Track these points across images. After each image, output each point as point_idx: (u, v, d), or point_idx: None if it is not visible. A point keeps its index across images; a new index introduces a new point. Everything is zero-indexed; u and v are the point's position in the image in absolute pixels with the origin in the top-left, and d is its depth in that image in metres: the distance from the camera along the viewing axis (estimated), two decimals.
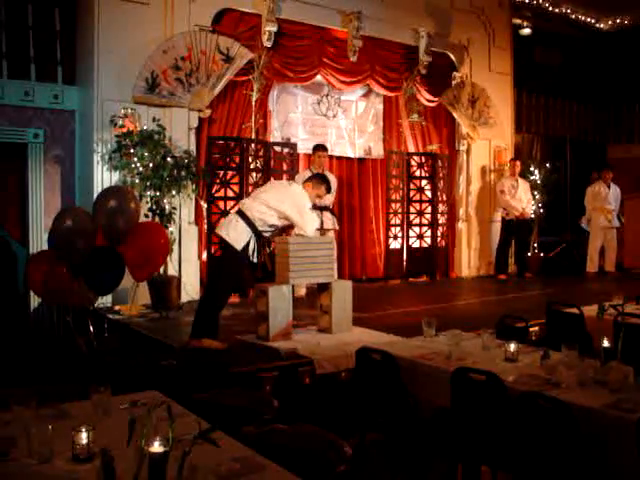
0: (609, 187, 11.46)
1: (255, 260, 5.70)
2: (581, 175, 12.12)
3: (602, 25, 14.16)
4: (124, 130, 7.45)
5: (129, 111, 7.61)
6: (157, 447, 2.00)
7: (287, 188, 5.88)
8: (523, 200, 10.63)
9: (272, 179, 8.67)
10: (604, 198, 11.38)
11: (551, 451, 3.01)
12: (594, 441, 2.89)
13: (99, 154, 7.55)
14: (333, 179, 8.47)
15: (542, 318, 5.77)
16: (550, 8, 12.93)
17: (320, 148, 8.46)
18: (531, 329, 5.58)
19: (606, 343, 3.73)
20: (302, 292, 7.69)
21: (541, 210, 11.67)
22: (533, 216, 11.36)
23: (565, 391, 3.14)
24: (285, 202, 5.60)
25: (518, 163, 10.86)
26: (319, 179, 6.18)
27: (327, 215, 8.10)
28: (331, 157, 9.55)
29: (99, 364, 5.07)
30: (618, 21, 14.04)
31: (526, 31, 12.33)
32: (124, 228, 5.99)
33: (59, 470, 2.23)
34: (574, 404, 2.95)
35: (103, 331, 6.42)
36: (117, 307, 7.24)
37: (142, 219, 7.13)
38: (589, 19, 13.86)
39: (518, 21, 12.23)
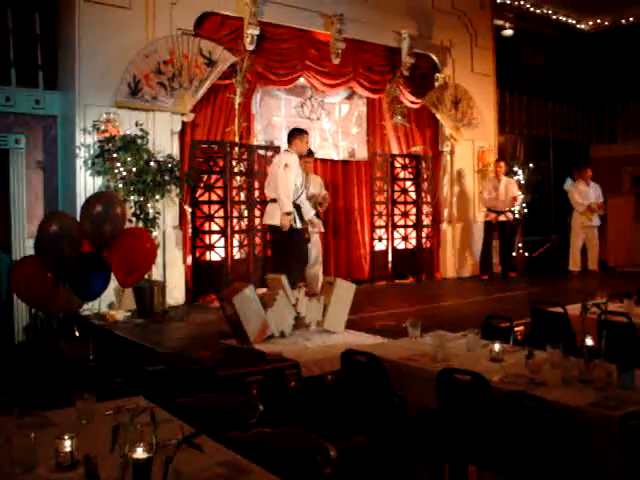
0: (589, 185, 11.54)
1: (300, 225, 7.28)
2: (564, 175, 12.19)
3: (583, 26, 14.27)
4: (107, 135, 7.42)
5: (111, 116, 7.57)
6: (141, 453, 1.99)
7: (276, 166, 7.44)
8: (505, 200, 10.64)
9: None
10: (584, 197, 11.46)
11: (537, 450, 3.02)
12: (579, 439, 2.91)
13: (82, 159, 7.50)
14: (319, 181, 8.47)
15: (527, 318, 5.80)
16: (532, 9, 13.02)
17: (306, 153, 8.41)
18: (516, 329, 5.59)
19: (590, 342, 3.75)
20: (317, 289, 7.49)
21: (525, 210, 11.72)
22: (518, 216, 11.42)
23: (550, 390, 3.16)
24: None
25: (502, 164, 10.90)
26: (295, 132, 7.52)
27: (313, 218, 8.07)
28: (315, 160, 9.51)
29: (83, 370, 5.04)
30: (599, 22, 14.16)
31: (508, 32, 12.39)
32: (110, 234, 5.95)
33: (42, 479, 2.21)
34: (559, 403, 2.97)
35: (88, 337, 6.37)
36: (102, 312, 7.19)
37: (126, 224, 7.10)
38: (570, 20, 13.96)
39: (500, 22, 12.28)
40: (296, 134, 7.52)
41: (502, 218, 10.68)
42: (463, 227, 11.26)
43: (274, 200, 7.31)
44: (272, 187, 7.39)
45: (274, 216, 7.31)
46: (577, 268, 11.39)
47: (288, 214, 7.11)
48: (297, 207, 7.31)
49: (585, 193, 11.45)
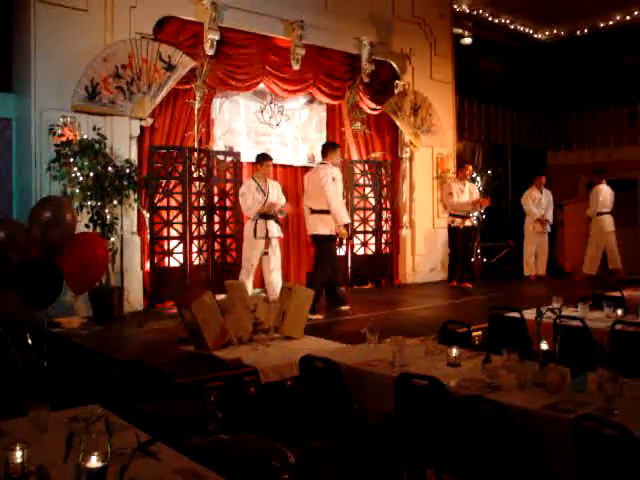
0: (542, 192, 11.76)
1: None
2: (522, 181, 12.40)
3: (540, 36, 14.53)
4: (63, 139, 7.29)
5: (68, 120, 7.45)
6: (94, 462, 1.95)
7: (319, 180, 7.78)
8: (469, 204, 10.72)
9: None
10: (537, 203, 11.68)
11: (493, 452, 3.06)
12: (533, 441, 2.95)
13: (38, 164, 7.36)
14: (278, 186, 8.45)
15: (485, 322, 5.86)
16: (490, 18, 13.21)
17: (266, 158, 8.39)
18: (474, 334, 5.66)
19: (544, 346, 3.80)
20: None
21: (483, 216, 11.87)
22: (476, 222, 11.55)
23: (506, 394, 3.20)
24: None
25: (470, 167, 11.03)
26: (329, 146, 8.15)
27: (272, 223, 8.07)
28: (275, 165, 9.48)
29: (37, 379, 4.95)
30: (555, 32, 14.44)
31: (467, 40, 12.54)
32: (60, 240, 5.85)
33: None
34: (514, 406, 3.00)
35: (42, 344, 6.25)
36: (57, 319, 7.06)
37: (83, 230, 7.00)
38: (527, 29, 14.20)
39: (459, 31, 12.43)
40: (330, 147, 8.15)
41: (467, 223, 10.75)
42: (422, 233, 11.33)
43: (316, 211, 7.77)
44: (314, 199, 7.83)
45: (318, 226, 7.81)
46: (532, 273, 11.60)
47: (346, 225, 7.67)
48: None
49: (538, 200, 11.68)
